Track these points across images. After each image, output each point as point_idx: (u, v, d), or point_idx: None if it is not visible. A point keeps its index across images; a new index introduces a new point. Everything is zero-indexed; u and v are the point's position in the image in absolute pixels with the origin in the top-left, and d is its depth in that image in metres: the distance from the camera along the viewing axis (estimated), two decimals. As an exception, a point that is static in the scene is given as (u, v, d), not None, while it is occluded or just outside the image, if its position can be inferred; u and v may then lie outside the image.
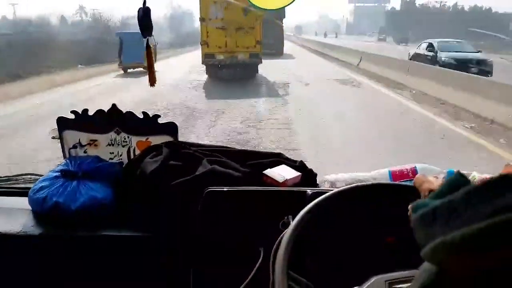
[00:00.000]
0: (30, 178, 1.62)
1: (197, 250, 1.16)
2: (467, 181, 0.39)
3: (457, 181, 0.39)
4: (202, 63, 13.96)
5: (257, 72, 14.65)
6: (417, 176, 0.78)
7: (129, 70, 17.18)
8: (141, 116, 1.45)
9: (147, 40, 1.35)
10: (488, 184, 0.35)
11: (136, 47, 14.78)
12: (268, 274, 0.84)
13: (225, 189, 1.18)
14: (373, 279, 0.83)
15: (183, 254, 1.16)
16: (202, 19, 13.27)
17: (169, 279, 1.23)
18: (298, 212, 0.90)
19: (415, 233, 0.40)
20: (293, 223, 0.86)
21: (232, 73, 14.04)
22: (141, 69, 15.96)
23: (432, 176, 1.43)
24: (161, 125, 1.45)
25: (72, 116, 1.49)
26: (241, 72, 14.02)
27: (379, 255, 0.99)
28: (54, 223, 1.31)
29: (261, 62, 14.27)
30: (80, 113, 1.48)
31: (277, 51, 25.32)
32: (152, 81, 1.44)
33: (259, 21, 13.40)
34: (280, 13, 22.14)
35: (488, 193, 0.34)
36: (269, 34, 21.97)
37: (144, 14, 1.23)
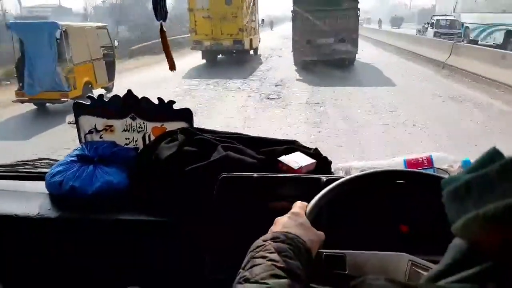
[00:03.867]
0: (47, 162, 1.65)
1: (211, 235, 1.17)
2: (503, 156, 0.37)
3: (492, 155, 0.38)
4: (191, 49, 15.54)
5: (247, 56, 16.30)
6: None
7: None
8: (156, 102, 1.45)
9: (161, 24, 1.33)
10: None
11: (48, 52, 7.96)
12: None
13: (239, 175, 1.18)
14: (397, 253, 0.83)
15: (198, 238, 1.17)
16: (190, 9, 14.93)
17: (184, 263, 1.24)
18: (312, 198, 0.90)
19: (446, 208, 0.39)
20: (307, 209, 0.86)
21: (226, 58, 16.03)
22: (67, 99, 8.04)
23: (447, 165, 1.42)
24: (177, 111, 1.45)
25: (88, 102, 1.50)
26: (235, 57, 15.69)
27: (393, 243, 0.99)
28: (71, 207, 1.34)
29: (248, 48, 15.69)
30: (96, 98, 1.49)
31: (344, 57, 13.76)
32: (172, 67, 1.44)
33: (241, 10, 14.66)
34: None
35: None
36: (328, 27, 13.33)
37: None
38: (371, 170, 1.00)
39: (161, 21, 1.29)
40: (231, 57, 15.87)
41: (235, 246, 1.15)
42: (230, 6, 14.55)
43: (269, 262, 0.66)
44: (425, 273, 0.79)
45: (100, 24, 10.64)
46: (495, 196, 0.33)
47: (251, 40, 16.07)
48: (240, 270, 0.67)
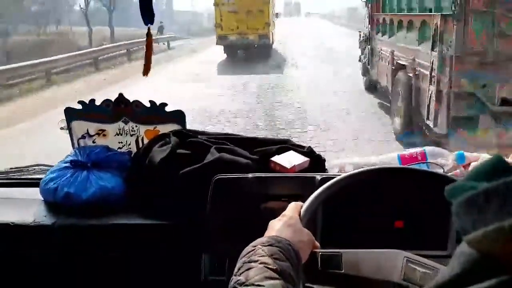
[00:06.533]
0: (40, 169, 1.64)
1: (207, 237, 1.17)
2: (508, 165, 0.36)
3: (496, 163, 0.36)
4: (217, 44, 15.12)
5: (270, 51, 15.75)
6: None
7: None
8: (148, 105, 1.45)
9: (149, 28, 1.32)
10: None
11: None
12: None
13: (233, 176, 1.18)
14: (392, 250, 0.84)
15: (195, 241, 1.17)
16: (216, 4, 14.56)
17: (181, 265, 1.24)
18: (308, 197, 0.90)
19: (457, 219, 0.37)
20: (302, 210, 0.86)
21: (247, 54, 15.39)
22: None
23: (441, 159, 1.43)
24: (169, 113, 1.45)
25: (79, 107, 1.49)
26: (256, 53, 15.10)
27: (388, 240, 1.00)
28: (67, 213, 1.33)
29: (271, 43, 15.27)
30: (88, 103, 1.48)
31: None
32: (147, 71, 1.41)
33: (267, 5, 14.37)
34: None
35: None
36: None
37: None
38: (366, 168, 1.00)
39: (148, 24, 1.28)
40: (253, 51, 15.45)
41: (232, 247, 1.16)
42: (256, 0, 14.33)
43: (261, 265, 0.66)
44: (420, 269, 0.79)
45: None
46: None
47: (272, 34, 15.86)
48: (233, 276, 0.67)
